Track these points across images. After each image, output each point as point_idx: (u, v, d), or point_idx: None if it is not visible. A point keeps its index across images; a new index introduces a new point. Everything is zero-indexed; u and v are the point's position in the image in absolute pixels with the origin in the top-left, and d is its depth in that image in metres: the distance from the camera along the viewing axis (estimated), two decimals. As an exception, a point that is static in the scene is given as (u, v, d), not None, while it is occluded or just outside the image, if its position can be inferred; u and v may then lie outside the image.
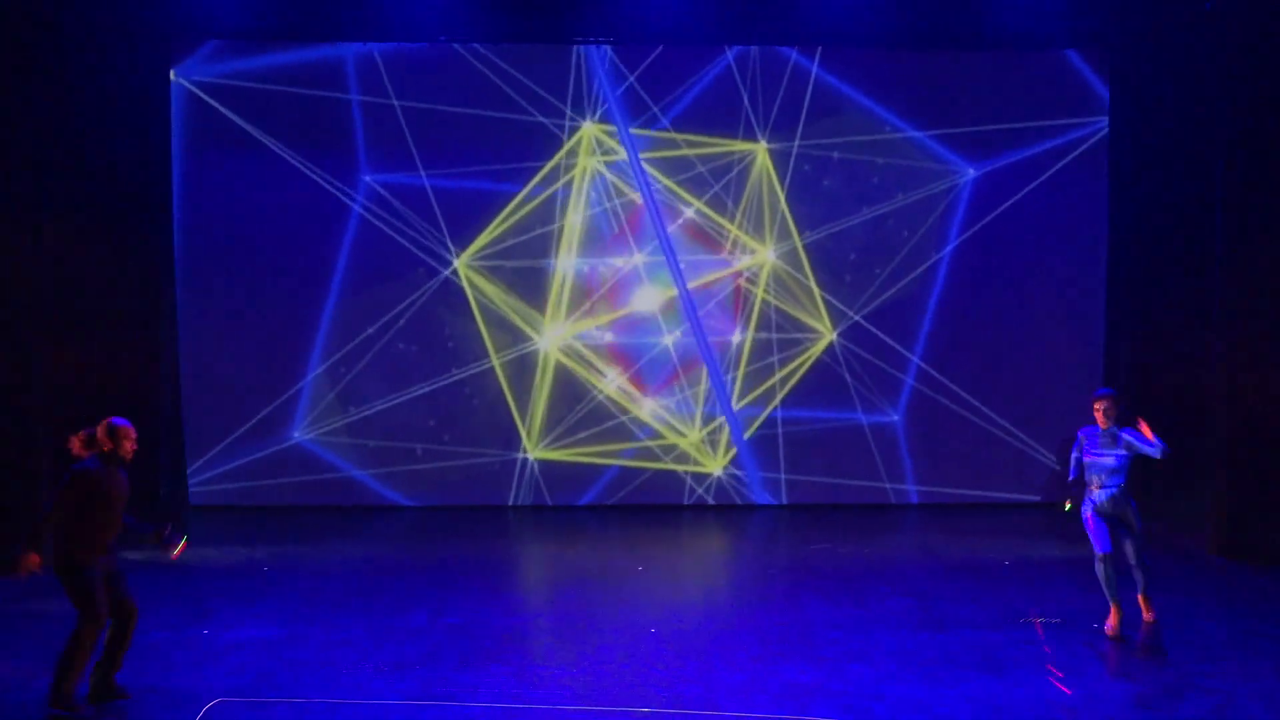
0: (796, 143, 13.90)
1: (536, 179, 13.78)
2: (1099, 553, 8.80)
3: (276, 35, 13.28)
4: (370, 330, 13.69)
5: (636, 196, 13.90)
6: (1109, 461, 8.83)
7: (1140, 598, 9.01)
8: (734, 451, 14.16)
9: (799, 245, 14.01)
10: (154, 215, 13.12)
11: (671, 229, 13.94)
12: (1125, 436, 8.81)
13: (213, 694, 7.68)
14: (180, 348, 13.43)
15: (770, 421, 14.11)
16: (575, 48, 13.64)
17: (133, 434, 7.57)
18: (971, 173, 13.94)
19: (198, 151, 13.39)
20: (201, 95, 13.35)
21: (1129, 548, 8.87)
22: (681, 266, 13.92)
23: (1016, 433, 13.97)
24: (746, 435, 14.10)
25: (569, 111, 13.70)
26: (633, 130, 13.78)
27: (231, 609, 9.77)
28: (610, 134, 13.85)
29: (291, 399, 13.69)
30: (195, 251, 13.46)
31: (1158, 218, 13.19)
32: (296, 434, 13.71)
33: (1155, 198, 13.22)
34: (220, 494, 13.60)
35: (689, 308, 14.02)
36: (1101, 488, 8.84)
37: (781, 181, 14.02)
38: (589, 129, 13.78)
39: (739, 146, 13.96)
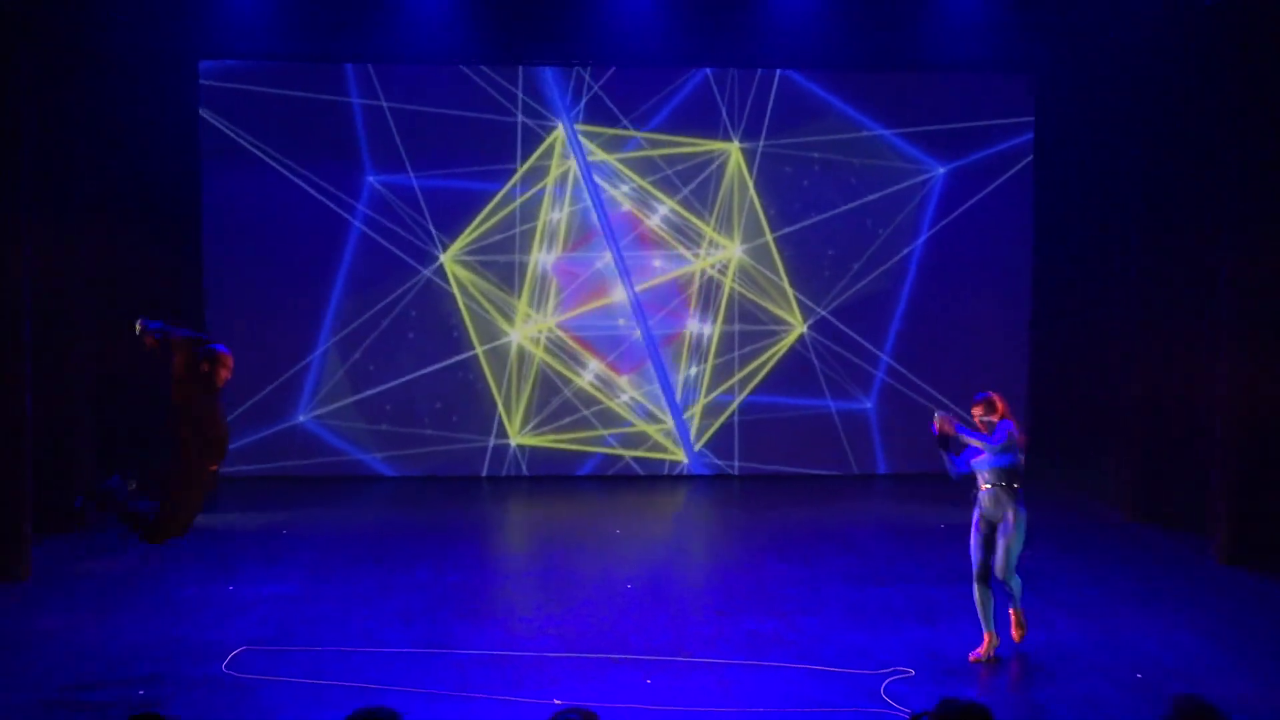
0: (761, 143, 13.67)
1: (514, 180, 13.57)
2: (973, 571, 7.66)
3: (288, 57, 13.30)
4: (366, 317, 13.54)
5: (616, 194, 13.74)
6: (988, 459, 7.58)
7: (1011, 611, 7.66)
8: (703, 440, 13.92)
9: (770, 240, 13.80)
10: (184, 215, 13.18)
11: (646, 227, 13.77)
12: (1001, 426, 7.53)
13: (237, 644, 7.80)
14: (208, 332, 13.47)
15: (741, 409, 13.90)
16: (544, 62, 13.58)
17: (229, 359, 7.42)
18: (941, 171, 13.79)
19: (219, 155, 13.33)
20: (222, 103, 13.30)
21: (998, 554, 7.51)
22: (654, 262, 13.78)
23: (955, 409, 13.99)
24: (698, 443, 13.89)
25: (546, 114, 13.58)
26: (616, 132, 13.61)
27: (253, 568, 9.85)
28: (586, 135, 13.70)
29: (300, 384, 13.61)
30: (219, 247, 13.42)
31: (1078, 218, 13.30)
32: (301, 414, 13.61)
33: (1076, 201, 13.33)
34: (240, 466, 13.57)
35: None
36: (986, 485, 7.56)
37: (754, 180, 13.77)
38: (565, 131, 13.67)
39: (713, 146, 13.71)
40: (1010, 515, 7.49)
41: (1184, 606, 8.85)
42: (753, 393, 13.97)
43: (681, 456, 13.97)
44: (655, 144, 13.78)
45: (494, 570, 10.15)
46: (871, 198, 13.87)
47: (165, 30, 12.51)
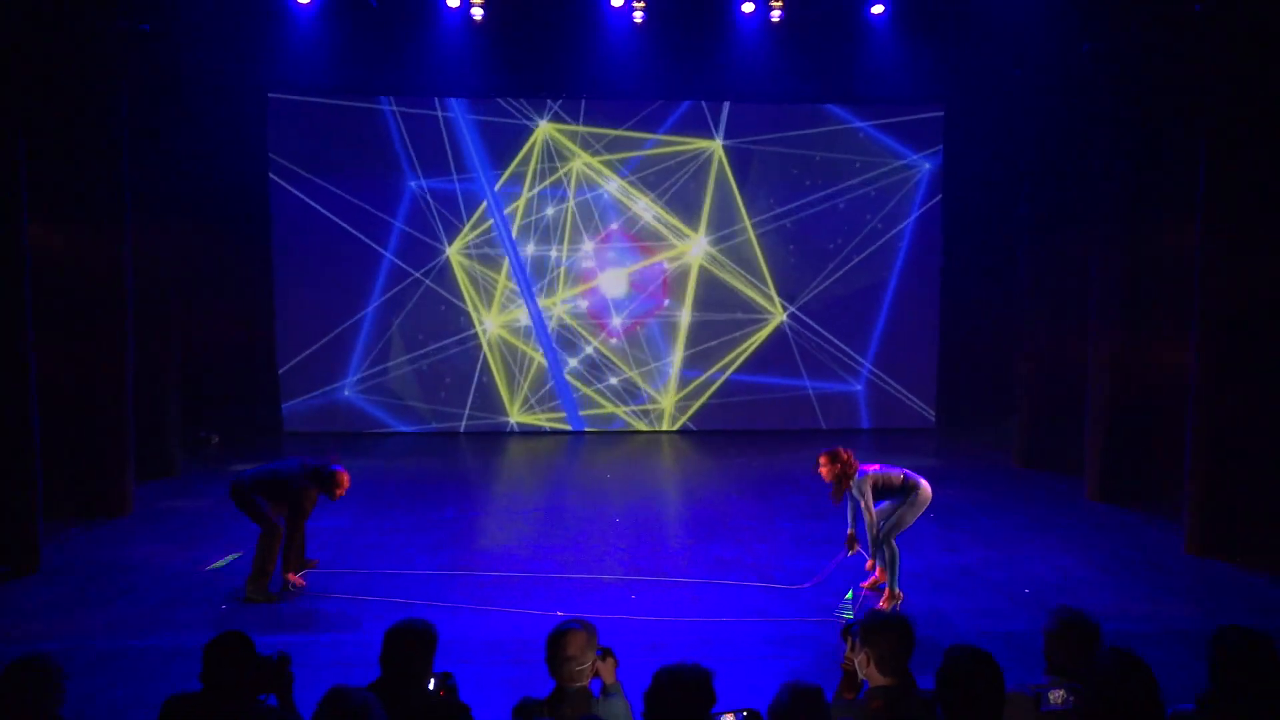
0: (729, 141, 13.34)
1: (504, 178, 13.31)
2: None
3: (332, 91, 13.16)
4: (390, 293, 13.42)
5: (607, 185, 13.35)
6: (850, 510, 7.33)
7: (879, 572, 7.20)
8: (683, 418, 13.71)
9: (751, 234, 13.41)
10: (254, 218, 13.07)
11: (630, 221, 13.42)
12: (854, 494, 7.13)
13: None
14: (275, 314, 13.39)
15: (722, 389, 13.68)
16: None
17: (346, 482, 7.40)
18: (927, 166, 13.44)
19: (286, 165, 13.25)
20: (286, 124, 13.18)
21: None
22: (639, 254, 13.54)
23: (890, 380, 13.99)
24: (683, 418, 13.66)
25: (534, 120, 13.35)
26: (611, 132, 13.29)
27: (312, 506, 9.83)
28: (570, 135, 13.30)
29: (345, 359, 13.54)
30: (286, 243, 13.34)
31: (983, 227, 13.35)
32: (347, 387, 13.51)
33: (981, 213, 13.36)
34: (302, 423, 13.55)
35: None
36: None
37: (735, 176, 13.34)
38: (546, 129, 13.30)
39: (697, 144, 13.29)
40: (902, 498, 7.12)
41: (1063, 535, 8.92)
42: (735, 373, 13.68)
43: (662, 429, 13.83)
44: (641, 144, 13.37)
45: (506, 508, 10.13)
46: (822, 196, 13.56)
47: (240, 66, 12.44)
